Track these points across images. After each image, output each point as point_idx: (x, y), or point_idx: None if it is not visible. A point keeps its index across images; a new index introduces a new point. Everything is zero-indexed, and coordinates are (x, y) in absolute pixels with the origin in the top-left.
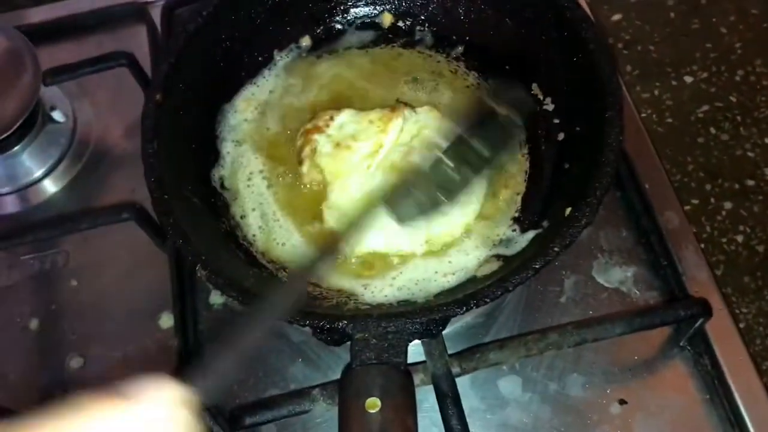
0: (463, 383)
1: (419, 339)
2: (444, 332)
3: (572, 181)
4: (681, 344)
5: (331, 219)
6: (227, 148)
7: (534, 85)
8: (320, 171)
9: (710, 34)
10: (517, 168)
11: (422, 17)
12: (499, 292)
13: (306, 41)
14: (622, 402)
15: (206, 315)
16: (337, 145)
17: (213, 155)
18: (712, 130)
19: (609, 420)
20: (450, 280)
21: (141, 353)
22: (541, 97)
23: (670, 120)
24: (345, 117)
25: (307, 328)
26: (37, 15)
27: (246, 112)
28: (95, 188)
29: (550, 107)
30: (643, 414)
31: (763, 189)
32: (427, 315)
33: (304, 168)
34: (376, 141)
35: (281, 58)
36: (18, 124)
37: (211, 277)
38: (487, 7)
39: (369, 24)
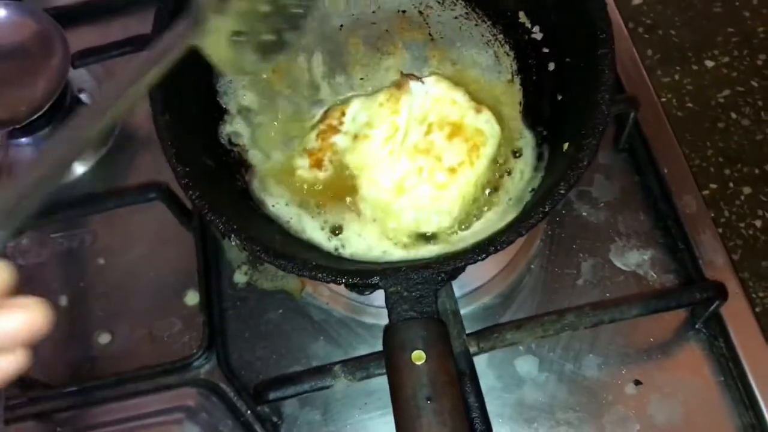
0: (480, 362)
1: (444, 285)
2: (462, 312)
3: (567, 115)
4: (696, 327)
5: (367, 210)
6: (230, 103)
7: (521, 13)
8: (346, 167)
9: (732, 18)
10: (511, 99)
11: None
12: (513, 238)
13: None
14: (637, 383)
15: (230, 293)
16: (355, 137)
17: (216, 112)
18: (733, 115)
19: (624, 400)
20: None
21: (167, 329)
22: (529, 26)
23: (690, 104)
24: (355, 107)
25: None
26: None
27: None
28: (122, 169)
29: (538, 36)
30: (658, 395)
31: None
32: (451, 264)
33: (322, 172)
34: (392, 123)
35: None
36: (48, 106)
37: (245, 245)
38: None
39: None
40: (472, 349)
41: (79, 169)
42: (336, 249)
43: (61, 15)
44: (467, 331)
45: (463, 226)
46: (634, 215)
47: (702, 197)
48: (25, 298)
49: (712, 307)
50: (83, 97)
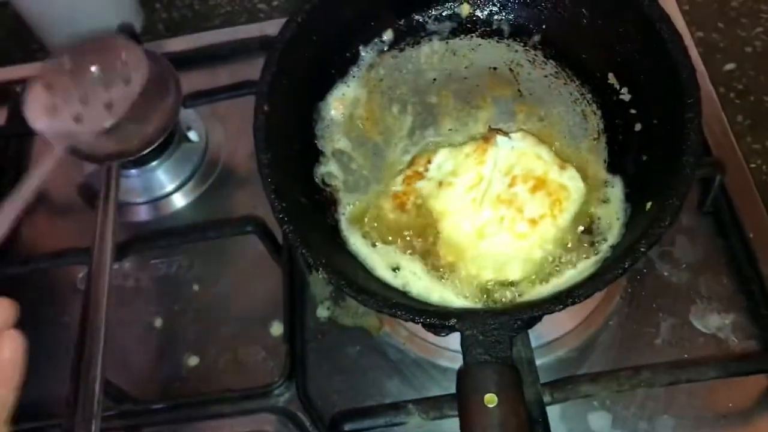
0: (553, 415)
1: (520, 333)
2: (537, 363)
3: (651, 175)
4: None
5: (448, 256)
6: (326, 146)
7: (610, 74)
8: (428, 212)
9: None
10: (595, 157)
11: (499, 7)
12: (591, 291)
13: (389, 35)
14: None
15: (313, 327)
16: (440, 184)
17: (312, 154)
18: None
19: None
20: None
21: (252, 357)
22: (618, 87)
23: None
24: (441, 156)
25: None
26: (176, 45)
27: (339, 109)
28: (220, 204)
29: (626, 97)
30: None
31: None
32: (528, 312)
33: (405, 214)
34: (476, 173)
35: (366, 53)
36: (159, 141)
37: (331, 278)
38: None
39: (448, 15)
40: (546, 398)
41: (181, 201)
42: (404, 286)
43: (176, 59)
44: (541, 381)
45: (540, 281)
46: (717, 278)
47: None
48: None
49: None
50: (191, 135)
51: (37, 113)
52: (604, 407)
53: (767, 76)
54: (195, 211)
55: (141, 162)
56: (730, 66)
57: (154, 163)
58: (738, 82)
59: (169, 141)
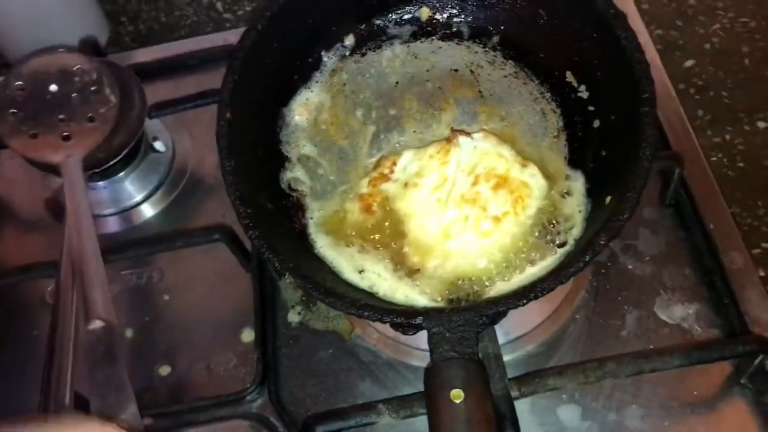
0: (522, 409)
1: (485, 328)
2: (506, 359)
3: (610, 170)
4: (741, 382)
5: (415, 255)
6: (292, 151)
7: (568, 73)
8: (394, 213)
9: None
10: (556, 154)
11: (458, 10)
12: (554, 285)
13: (350, 40)
14: None
15: (284, 332)
16: (405, 185)
17: (278, 160)
18: None
19: None
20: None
21: (224, 364)
22: (576, 85)
23: (741, 164)
24: (406, 158)
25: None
26: (142, 56)
27: (303, 114)
28: (189, 213)
29: (584, 95)
30: None
31: None
32: (492, 308)
33: (371, 216)
34: (441, 174)
35: (329, 59)
36: (125, 152)
37: (298, 282)
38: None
39: (408, 19)
40: (514, 393)
41: (150, 211)
42: (370, 288)
43: (142, 70)
44: (509, 376)
45: (505, 277)
46: (680, 270)
47: (749, 254)
48: None
49: (757, 362)
50: (157, 145)
51: (25, 147)
52: (573, 400)
53: (726, 72)
54: (163, 220)
55: (108, 173)
56: (689, 63)
57: (120, 174)
58: (697, 78)
59: (135, 152)
